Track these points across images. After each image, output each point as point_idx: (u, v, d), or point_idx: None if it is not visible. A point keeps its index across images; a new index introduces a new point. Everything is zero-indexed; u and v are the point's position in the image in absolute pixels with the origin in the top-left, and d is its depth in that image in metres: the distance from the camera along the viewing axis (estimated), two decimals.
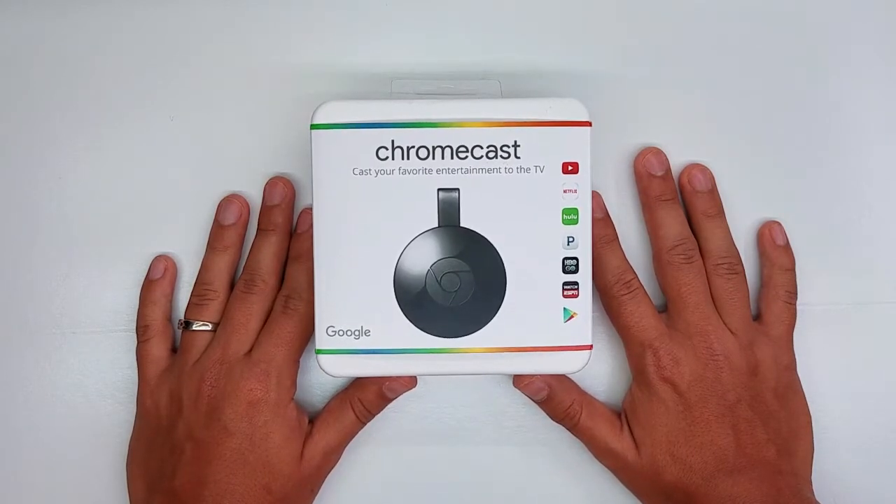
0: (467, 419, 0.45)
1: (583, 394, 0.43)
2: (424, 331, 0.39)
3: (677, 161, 0.45)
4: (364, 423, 0.43)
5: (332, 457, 0.43)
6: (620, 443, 0.42)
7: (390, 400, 0.43)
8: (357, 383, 0.43)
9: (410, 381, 0.42)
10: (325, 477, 0.43)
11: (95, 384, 0.45)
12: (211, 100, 0.45)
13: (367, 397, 0.42)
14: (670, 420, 0.41)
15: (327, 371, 0.39)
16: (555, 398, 0.42)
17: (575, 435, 0.43)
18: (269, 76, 0.45)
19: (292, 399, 0.42)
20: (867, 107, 0.45)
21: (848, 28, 0.45)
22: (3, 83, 0.45)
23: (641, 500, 0.43)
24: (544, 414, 0.44)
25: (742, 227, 0.45)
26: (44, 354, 0.45)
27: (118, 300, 0.45)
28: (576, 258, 0.39)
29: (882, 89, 0.45)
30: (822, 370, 0.45)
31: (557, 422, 0.43)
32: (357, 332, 0.39)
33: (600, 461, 0.43)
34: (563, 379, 0.43)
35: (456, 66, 0.45)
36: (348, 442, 0.43)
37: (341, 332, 0.39)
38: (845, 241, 0.45)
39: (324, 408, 0.44)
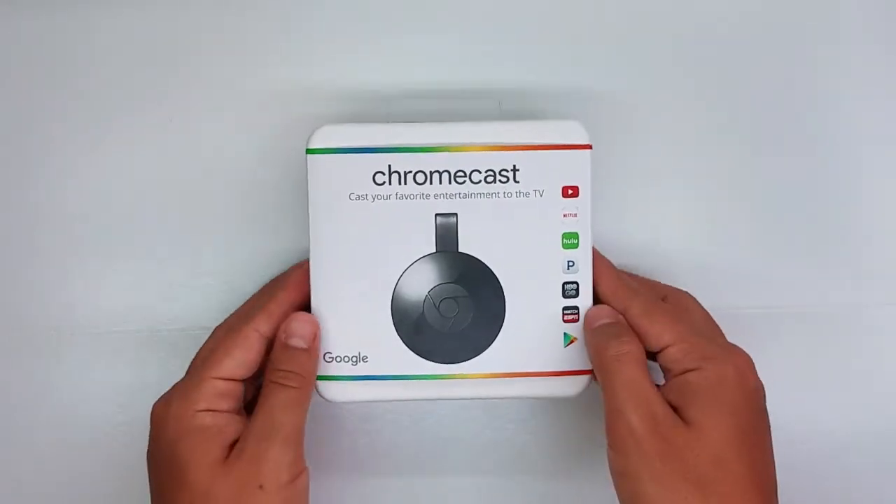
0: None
1: None
2: (423, 357, 0.38)
3: (677, 164, 0.44)
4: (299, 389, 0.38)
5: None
6: None
7: (304, 350, 0.38)
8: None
9: (307, 319, 0.38)
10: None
11: (93, 385, 0.44)
12: (210, 101, 0.44)
13: (276, 358, 0.38)
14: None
15: (326, 397, 0.39)
16: None
17: None
18: (269, 77, 0.44)
19: None
20: (866, 109, 0.45)
21: (847, 28, 0.45)
22: (3, 83, 0.45)
23: None
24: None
25: (743, 229, 0.45)
26: (42, 355, 0.44)
27: (117, 301, 0.44)
28: (576, 283, 0.38)
29: (882, 91, 0.45)
30: (821, 372, 0.44)
31: None
32: (355, 359, 0.38)
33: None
34: None
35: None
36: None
37: (339, 359, 0.38)
38: (845, 243, 0.45)
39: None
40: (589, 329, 0.38)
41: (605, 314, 0.38)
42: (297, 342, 0.37)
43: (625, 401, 0.35)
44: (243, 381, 0.38)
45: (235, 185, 0.44)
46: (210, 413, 0.37)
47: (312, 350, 0.38)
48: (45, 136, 0.45)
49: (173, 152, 0.45)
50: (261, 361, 0.38)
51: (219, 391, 0.37)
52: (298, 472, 0.36)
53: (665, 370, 0.37)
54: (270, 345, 0.38)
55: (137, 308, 0.44)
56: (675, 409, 0.36)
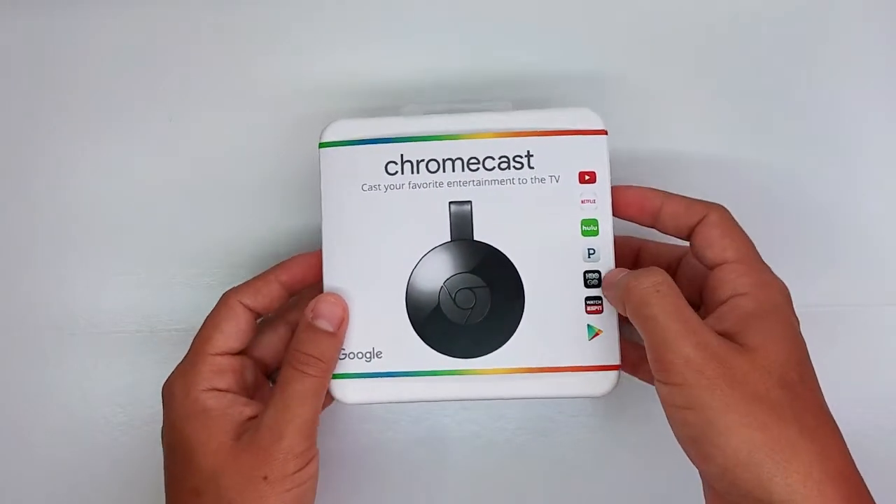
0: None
1: None
2: (440, 351, 0.37)
3: (676, 163, 0.44)
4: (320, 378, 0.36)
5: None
6: None
7: (329, 334, 0.36)
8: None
9: (336, 301, 0.36)
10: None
11: (93, 386, 0.44)
12: (210, 101, 0.45)
13: (299, 338, 0.36)
14: None
15: (339, 398, 0.37)
16: None
17: None
18: (268, 76, 0.45)
19: None
20: (868, 108, 0.45)
21: (848, 28, 0.45)
22: (3, 83, 0.45)
23: None
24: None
25: (742, 228, 0.43)
26: (42, 356, 0.44)
27: (117, 301, 0.44)
28: (598, 272, 0.37)
29: (883, 90, 0.45)
30: (821, 372, 0.42)
31: None
32: (369, 355, 0.37)
33: None
34: None
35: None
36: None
37: (352, 355, 0.37)
38: (845, 242, 0.44)
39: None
40: (610, 283, 0.36)
41: (625, 270, 0.36)
42: (323, 324, 0.36)
43: (673, 330, 0.32)
44: (240, 354, 0.37)
45: (236, 185, 0.44)
46: (213, 393, 0.36)
47: (338, 335, 0.36)
48: (45, 135, 0.45)
49: (173, 152, 0.45)
50: (251, 333, 0.37)
51: (217, 367, 0.36)
52: (308, 461, 0.35)
53: (711, 291, 0.35)
54: (255, 318, 0.38)
55: (137, 308, 0.44)
56: (726, 337, 0.33)
